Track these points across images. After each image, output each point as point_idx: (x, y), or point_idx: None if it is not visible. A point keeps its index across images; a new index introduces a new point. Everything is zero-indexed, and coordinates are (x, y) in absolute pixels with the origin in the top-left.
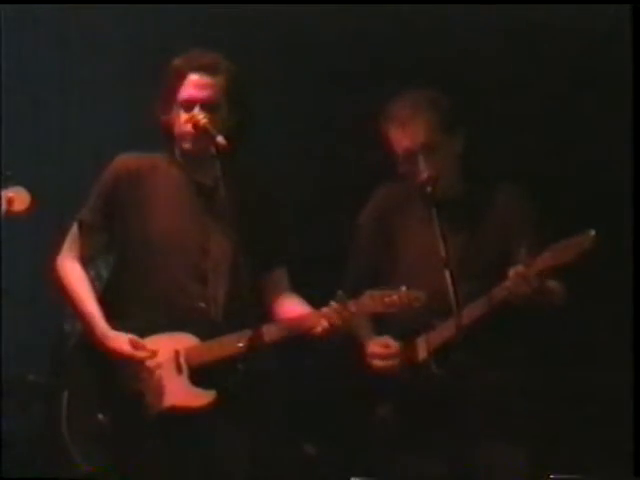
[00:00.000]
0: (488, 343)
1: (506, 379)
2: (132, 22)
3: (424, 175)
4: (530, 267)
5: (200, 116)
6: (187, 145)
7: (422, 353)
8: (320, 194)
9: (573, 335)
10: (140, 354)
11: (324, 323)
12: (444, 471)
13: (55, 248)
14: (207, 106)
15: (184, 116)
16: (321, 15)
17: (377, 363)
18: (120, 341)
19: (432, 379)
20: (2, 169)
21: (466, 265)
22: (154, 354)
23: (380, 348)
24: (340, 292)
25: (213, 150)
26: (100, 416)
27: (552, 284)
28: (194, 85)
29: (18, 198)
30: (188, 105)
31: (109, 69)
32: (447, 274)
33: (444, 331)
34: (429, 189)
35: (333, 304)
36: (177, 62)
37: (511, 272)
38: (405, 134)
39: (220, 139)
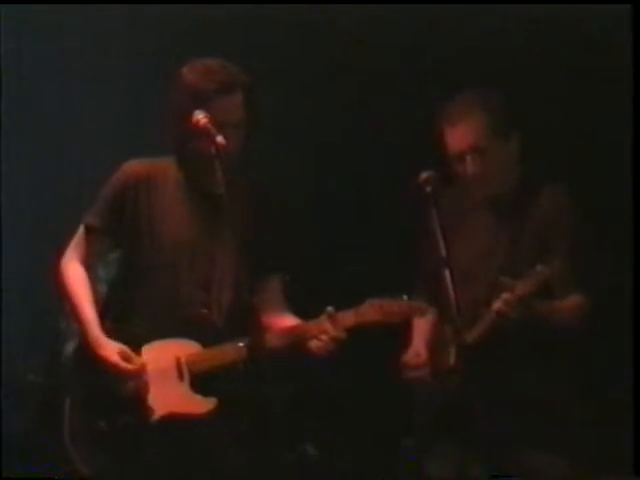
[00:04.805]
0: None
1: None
2: (133, 22)
3: (423, 176)
4: (512, 293)
5: (200, 116)
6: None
7: (452, 359)
8: (321, 198)
9: (571, 334)
10: (127, 367)
11: (323, 337)
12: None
13: (54, 248)
14: (230, 126)
15: (203, 140)
16: (340, 14)
17: (409, 374)
18: (109, 350)
19: (456, 385)
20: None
21: (510, 263)
22: (143, 367)
23: (411, 358)
24: (330, 308)
25: (213, 150)
26: (101, 423)
27: (570, 302)
28: (215, 109)
29: None
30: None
31: (109, 70)
32: (447, 274)
33: (468, 337)
34: (429, 189)
35: (323, 318)
36: (189, 77)
37: (495, 303)
38: (455, 135)
39: (220, 139)
